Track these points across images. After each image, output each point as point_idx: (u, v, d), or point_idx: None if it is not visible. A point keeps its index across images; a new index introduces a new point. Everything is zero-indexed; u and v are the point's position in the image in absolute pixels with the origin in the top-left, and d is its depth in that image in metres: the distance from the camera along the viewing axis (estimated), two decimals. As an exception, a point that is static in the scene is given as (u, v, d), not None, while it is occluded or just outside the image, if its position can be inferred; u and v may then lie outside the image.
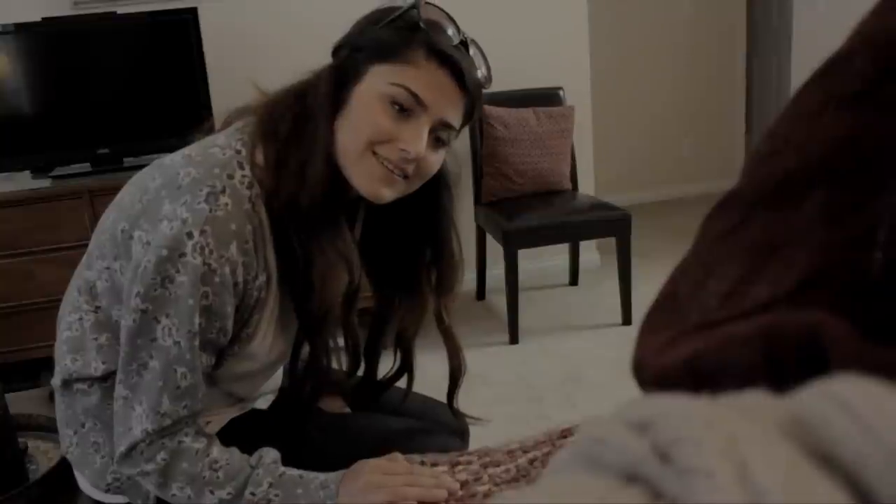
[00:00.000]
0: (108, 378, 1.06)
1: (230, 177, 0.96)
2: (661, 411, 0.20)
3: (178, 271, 0.92)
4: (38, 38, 2.69)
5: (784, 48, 4.58)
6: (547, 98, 3.24)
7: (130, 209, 0.99)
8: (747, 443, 0.19)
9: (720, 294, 0.33)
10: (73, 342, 1.08)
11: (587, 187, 3.55)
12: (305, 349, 1.12)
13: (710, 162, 5.14)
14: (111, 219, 1.03)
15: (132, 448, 0.98)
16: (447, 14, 1.01)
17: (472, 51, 1.01)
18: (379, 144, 0.97)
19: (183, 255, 0.91)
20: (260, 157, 0.99)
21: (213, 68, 2.83)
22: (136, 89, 2.81)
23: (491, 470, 1.03)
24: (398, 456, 1.03)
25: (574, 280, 3.58)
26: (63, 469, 1.28)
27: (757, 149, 0.36)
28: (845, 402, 0.20)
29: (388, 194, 1.00)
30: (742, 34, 5.12)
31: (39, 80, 2.73)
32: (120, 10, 2.78)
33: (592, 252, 3.76)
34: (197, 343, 0.95)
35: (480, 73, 1.02)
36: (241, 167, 0.98)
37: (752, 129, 5.25)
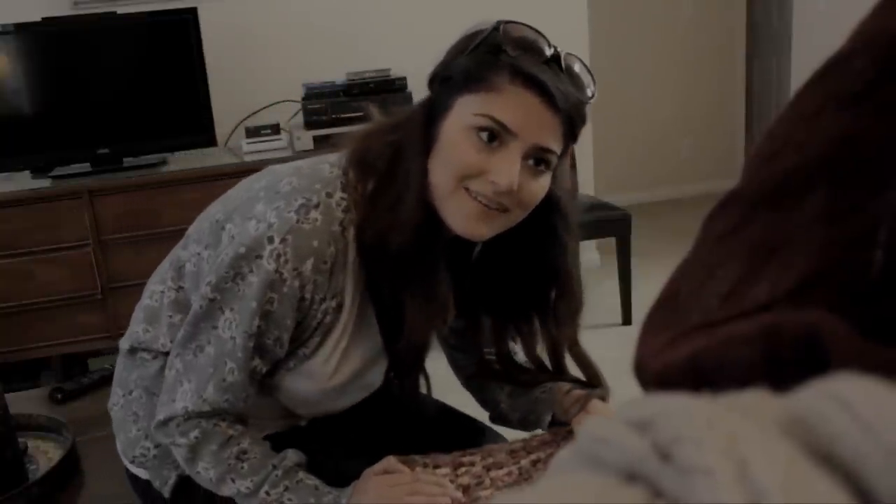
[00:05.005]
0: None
1: (329, 195, 0.96)
2: (661, 410, 0.21)
3: (250, 271, 0.94)
4: (38, 38, 2.68)
5: (784, 49, 4.58)
6: (547, 98, 3.24)
7: (230, 203, 1.02)
8: (747, 442, 0.19)
9: (720, 294, 0.33)
10: (150, 312, 1.11)
11: (587, 187, 3.55)
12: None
13: (710, 162, 5.14)
14: (215, 208, 1.07)
15: (170, 419, 1.00)
16: (535, 30, 0.95)
17: (571, 65, 0.95)
18: (469, 179, 0.93)
19: (259, 256, 0.93)
20: (361, 187, 0.98)
21: (213, 68, 2.82)
22: (135, 89, 2.81)
23: (493, 473, 1.03)
24: (391, 460, 1.03)
25: (574, 280, 3.58)
26: (63, 469, 1.27)
27: (757, 149, 0.36)
28: (845, 400, 0.20)
29: (485, 231, 0.96)
30: (742, 35, 5.12)
31: (39, 80, 2.73)
32: (120, 10, 2.78)
33: (592, 252, 3.76)
34: (252, 344, 0.96)
35: (580, 87, 0.95)
36: (344, 189, 0.97)
37: (751, 130, 5.25)
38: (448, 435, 1.20)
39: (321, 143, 2.79)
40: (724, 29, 5.06)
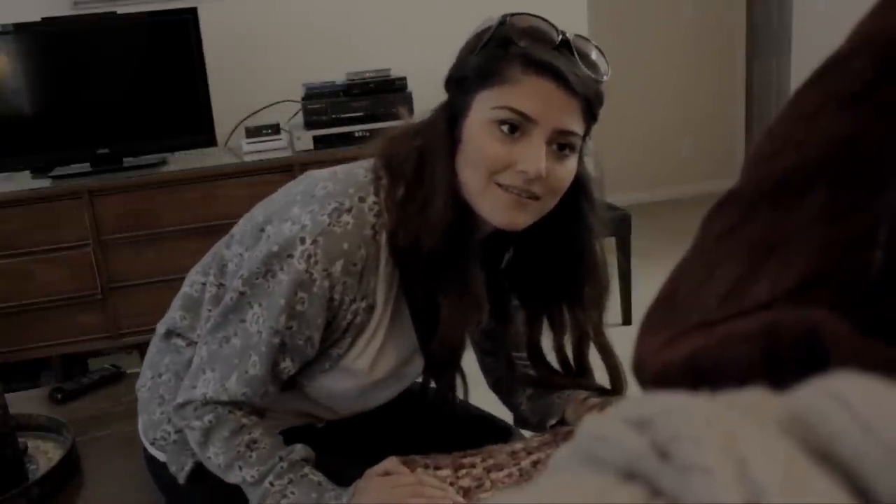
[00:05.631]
0: None
1: (362, 199, 0.98)
2: (660, 409, 0.21)
3: (281, 269, 0.97)
4: (38, 38, 2.68)
5: (784, 49, 4.58)
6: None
7: (271, 207, 1.05)
8: (746, 440, 0.19)
9: (720, 294, 0.33)
10: (189, 301, 1.15)
11: (587, 188, 3.54)
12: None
13: (710, 162, 5.14)
14: (257, 210, 1.09)
15: (188, 403, 1.03)
16: (541, 18, 0.97)
17: (581, 47, 0.98)
18: (498, 173, 0.95)
19: (291, 256, 0.96)
20: (392, 192, 1.01)
21: (213, 68, 2.82)
22: (135, 89, 2.81)
23: (494, 474, 1.03)
24: (394, 460, 1.04)
25: (574, 280, 3.57)
26: (63, 469, 1.27)
27: (756, 148, 0.36)
28: (844, 399, 0.20)
29: (522, 220, 0.98)
30: (742, 35, 5.12)
31: (39, 80, 2.73)
32: (120, 10, 2.78)
33: (592, 252, 3.75)
34: (276, 341, 0.98)
35: (593, 67, 0.98)
36: (377, 194, 0.99)
37: (752, 130, 5.25)
38: (474, 435, 1.20)
39: (321, 143, 2.79)
40: (724, 30, 5.06)
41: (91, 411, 1.53)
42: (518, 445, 1.10)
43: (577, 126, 0.97)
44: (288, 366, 1.01)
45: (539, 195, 0.96)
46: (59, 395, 1.57)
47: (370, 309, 1.01)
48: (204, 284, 1.14)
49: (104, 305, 2.68)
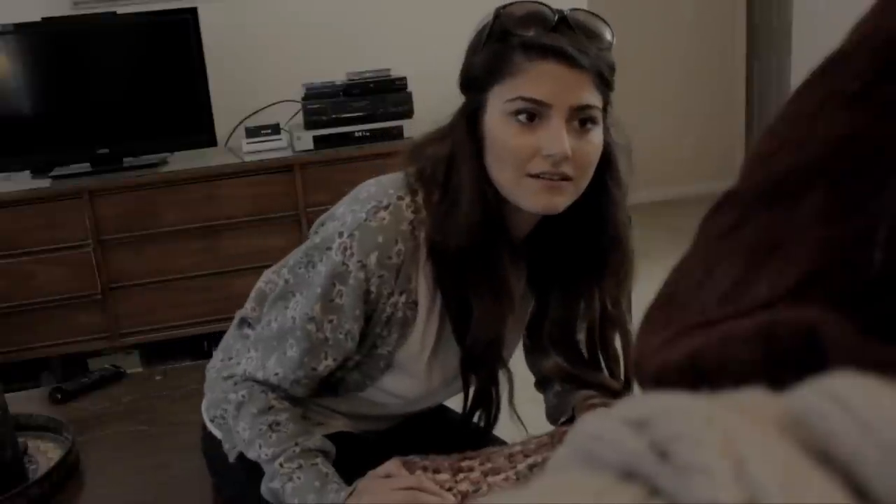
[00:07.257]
0: None
1: (400, 198, 1.02)
2: (659, 408, 0.21)
3: (320, 260, 1.02)
4: (38, 38, 2.69)
5: (784, 48, 4.58)
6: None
7: (326, 214, 1.10)
8: (745, 440, 0.19)
9: (719, 293, 0.33)
10: (262, 296, 1.21)
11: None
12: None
13: (710, 162, 5.14)
14: (320, 219, 1.14)
15: (231, 377, 1.11)
16: (534, 2, 0.98)
17: (580, 20, 0.98)
18: (526, 164, 0.96)
19: (329, 248, 1.02)
20: (430, 197, 1.03)
21: (213, 68, 2.82)
22: (135, 89, 2.81)
23: (491, 478, 1.03)
24: (396, 462, 1.04)
25: (574, 280, 3.57)
26: (63, 469, 1.27)
27: (755, 148, 0.36)
28: (843, 398, 0.20)
29: (559, 202, 0.99)
30: (742, 35, 5.12)
31: (39, 80, 2.73)
32: (120, 10, 2.78)
33: (592, 252, 3.75)
34: (311, 328, 1.03)
35: (596, 38, 0.98)
36: (415, 194, 1.02)
37: (752, 130, 5.25)
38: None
39: (321, 143, 2.79)
40: (724, 29, 5.06)
41: (91, 411, 1.53)
42: (516, 448, 1.10)
43: (593, 99, 0.97)
44: (329, 364, 1.05)
45: (571, 175, 0.97)
46: (59, 395, 1.57)
47: (413, 305, 1.04)
48: (277, 284, 1.19)
49: (104, 305, 2.68)
